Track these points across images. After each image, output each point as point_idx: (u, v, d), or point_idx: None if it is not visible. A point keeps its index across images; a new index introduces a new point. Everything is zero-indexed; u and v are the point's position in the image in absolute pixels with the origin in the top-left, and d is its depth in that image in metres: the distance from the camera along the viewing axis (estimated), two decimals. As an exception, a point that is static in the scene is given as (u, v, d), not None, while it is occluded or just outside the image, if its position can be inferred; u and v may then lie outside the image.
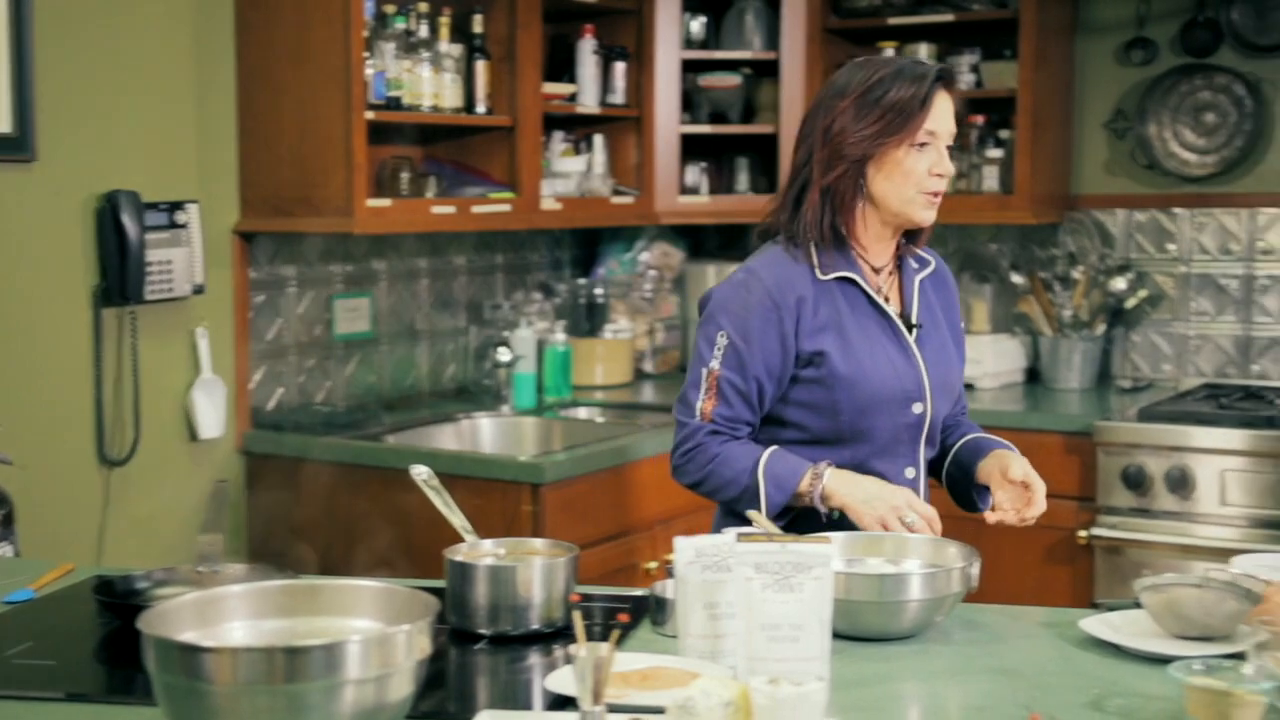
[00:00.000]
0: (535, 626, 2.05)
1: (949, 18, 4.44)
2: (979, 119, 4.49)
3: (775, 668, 1.73)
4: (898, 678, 1.91)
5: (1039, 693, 1.82)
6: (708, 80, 4.58)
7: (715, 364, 2.39)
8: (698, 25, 4.62)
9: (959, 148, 4.50)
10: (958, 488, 2.56)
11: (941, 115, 2.34)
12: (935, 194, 2.36)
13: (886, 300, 2.43)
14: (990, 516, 2.40)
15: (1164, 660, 1.85)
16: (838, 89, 2.38)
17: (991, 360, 4.42)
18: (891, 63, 2.38)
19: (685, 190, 4.62)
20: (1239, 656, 1.82)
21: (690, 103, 4.61)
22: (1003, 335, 4.52)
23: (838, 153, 2.35)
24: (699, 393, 2.41)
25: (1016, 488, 2.40)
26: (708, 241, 5.06)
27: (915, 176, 2.34)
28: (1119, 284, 4.43)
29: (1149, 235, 4.49)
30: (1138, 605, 2.06)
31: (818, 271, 2.39)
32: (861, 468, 2.40)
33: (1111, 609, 2.14)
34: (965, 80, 4.47)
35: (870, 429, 2.40)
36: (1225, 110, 4.35)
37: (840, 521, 2.36)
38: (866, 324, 2.41)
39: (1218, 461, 3.74)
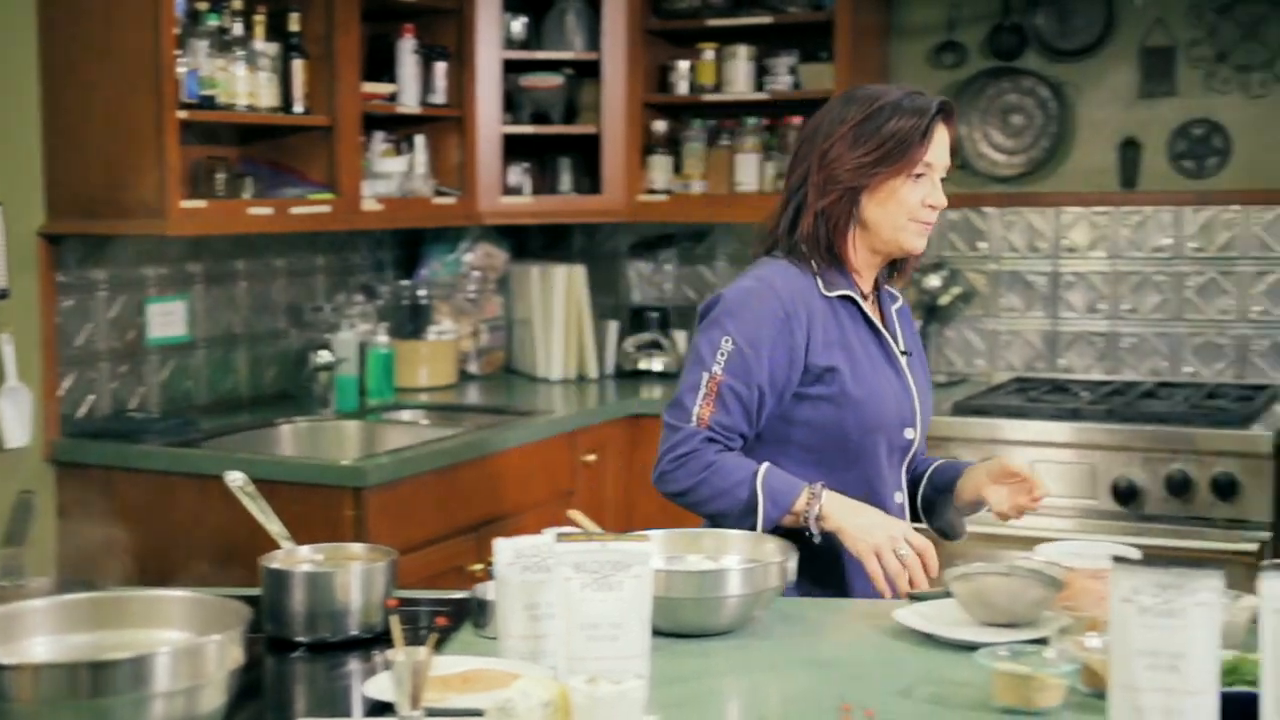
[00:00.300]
0: (354, 632, 2.03)
1: (767, 20, 4.50)
2: (797, 120, 4.55)
3: (595, 667, 1.74)
4: (717, 673, 1.93)
5: (854, 683, 1.86)
6: (529, 80, 4.58)
7: (718, 369, 2.34)
8: (519, 25, 4.61)
9: (779, 149, 4.57)
10: (933, 511, 2.55)
11: (939, 147, 2.37)
12: (927, 224, 2.39)
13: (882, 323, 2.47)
14: (997, 515, 2.42)
15: (972, 647, 1.90)
16: (837, 114, 2.39)
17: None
18: (892, 92, 2.39)
19: (508, 191, 4.61)
20: (1044, 642, 1.88)
21: (512, 103, 4.60)
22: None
23: (834, 178, 2.35)
24: (696, 397, 2.35)
25: (1010, 484, 2.39)
26: (531, 242, 5.05)
27: (909, 206, 2.36)
28: (933, 281, 4.53)
29: (961, 233, 4.61)
30: (948, 595, 2.11)
31: (822, 288, 2.39)
32: (858, 490, 2.37)
33: (924, 599, 2.19)
34: (783, 81, 4.53)
35: (872, 452, 2.40)
36: (1031, 112, 4.49)
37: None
38: (867, 345, 2.42)
39: (1028, 453, 3.85)
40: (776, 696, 1.87)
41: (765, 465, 2.33)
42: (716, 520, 2.36)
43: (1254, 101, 4.26)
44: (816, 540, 2.30)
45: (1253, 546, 3.58)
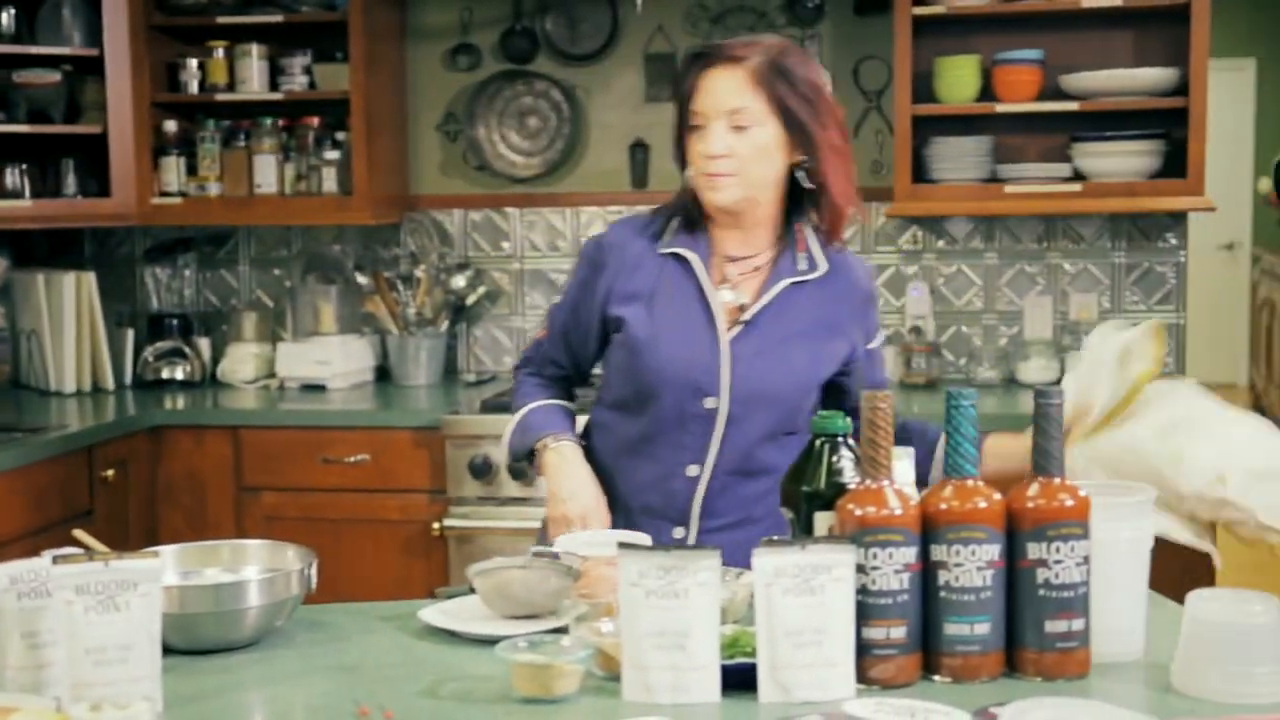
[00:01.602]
0: None
1: (279, 19, 4.41)
2: (314, 121, 4.49)
3: (101, 692, 1.67)
4: (237, 687, 1.88)
5: (377, 685, 1.85)
6: (23, 77, 4.30)
7: (558, 298, 2.55)
8: (7, 18, 4.31)
9: (297, 150, 4.49)
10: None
11: (705, 95, 2.32)
12: (710, 175, 2.33)
13: (734, 289, 2.38)
14: None
15: (494, 641, 1.93)
16: None
17: (340, 360, 4.44)
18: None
19: (5, 194, 4.32)
20: (563, 631, 1.93)
21: (6, 101, 4.31)
22: (351, 335, 4.55)
23: (676, 143, 2.41)
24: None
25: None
26: (36, 248, 4.76)
27: (694, 159, 2.35)
28: (459, 281, 4.58)
29: (484, 234, 4.68)
30: (473, 591, 2.13)
31: (661, 243, 2.41)
32: (646, 446, 2.39)
33: (450, 596, 2.21)
34: (299, 81, 4.46)
35: (656, 407, 2.36)
36: (546, 115, 4.60)
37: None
38: (686, 305, 2.37)
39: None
40: (299, 706, 1.84)
41: (535, 403, 2.51)
42: None
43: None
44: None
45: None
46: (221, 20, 4.44)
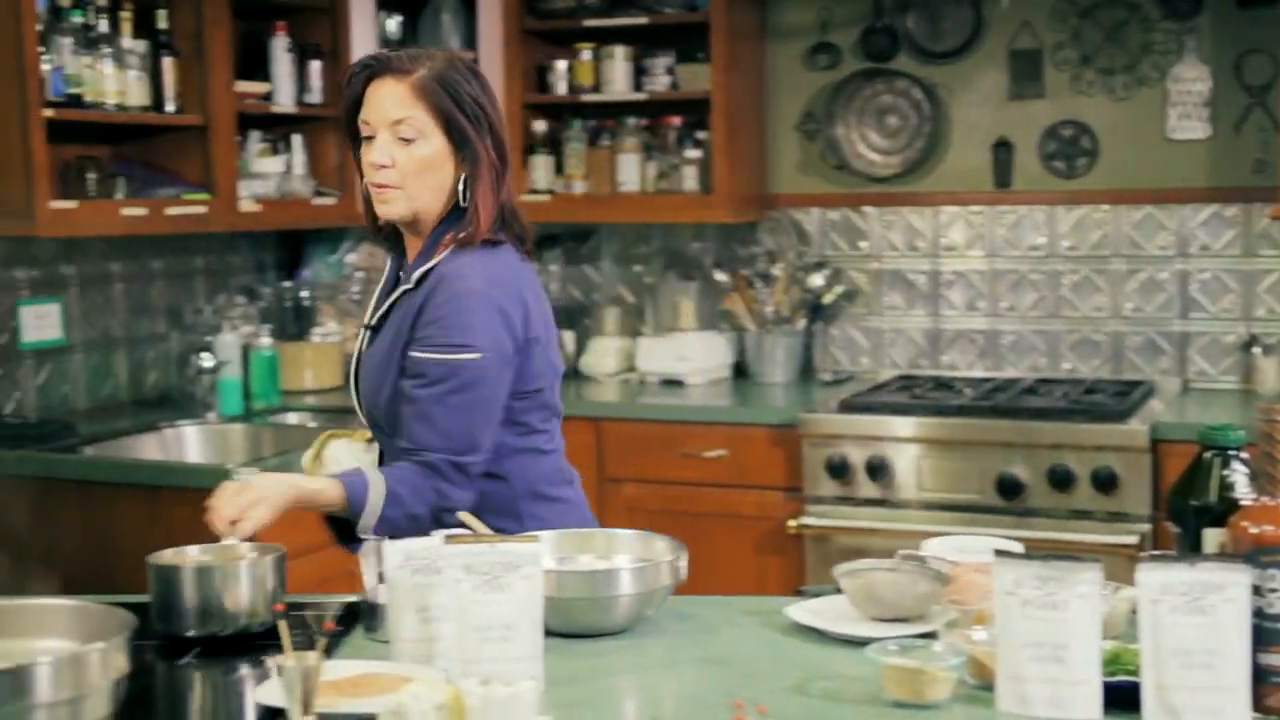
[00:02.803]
0: (244, 623, 2.00)
1: (643, 21, 4.51)
2: (676, 120, 4.57)
3: (487, 669, 1.73)
4: (610, 672, 1.93)
5: (746, 680, 1.86)
6: (408, 80, 4.53)
7: None
8: (394, 24, 4.56)
9: (659, 149, 4.58)
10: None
11: (372, 104, 2.30)
12: (378, 185, 2.31)
13: (395, 304, 2.37)
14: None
15: (862, 642, 1.92)
16: None
17: (699, 356, 4.51)
18: None
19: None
20: (932, 635, 1.91)
21: (392, 103, 4.55)
22: (709, 332, 4.62)
23: (353, 153, 2.39)
24: None
25: None
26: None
27: (366, 171, 2.33)
28: (816, 280, 4.58)
29: (842, 233, 4.66)
30: (839, 591, 2.13)
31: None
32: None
33: (815, 595, 2.21)
34: (662, 82, 4.55)
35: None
36: (905, 113, 4.55)
37: None
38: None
39: (913, 449, 3.91)
40: (670, 695, 1.87)
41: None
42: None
43: (1118, 104, 4.36)
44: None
45: (1133, 539, 3.66)
46: (588, 23, 4.57)
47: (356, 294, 4.64)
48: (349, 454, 2.40)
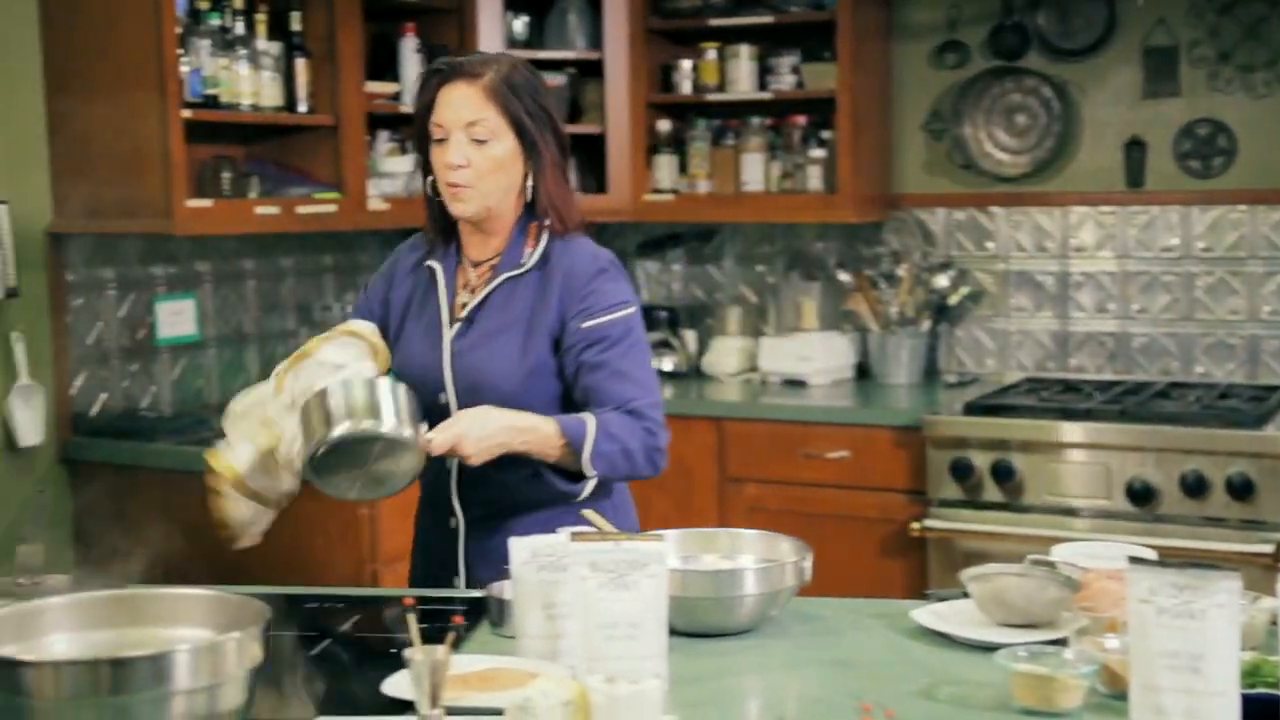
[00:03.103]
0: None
1: (769, 20, 4.49)
2: (801, 120, 4.55)
3: (613, 666, 1.74)
4: (735, 672, 1.93)
5: (872, 683, 1.85)
6: (534, 80, 4.56)
7: None
8: (520, 24, 4.60)
9: (783, 149, 4.56)
10: None
11: (445, 109, 2.39)
12: (452, 185, 2.39)
13: (472, 293, 2.46)
14: None
15: (991, 648, 1.90)
16: None
17: (821, 356, 4.49)
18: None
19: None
20: (1061, 642, 1.88)
21: (518, 102, 4.58)
22: (832, 332, 4.59)
23: (420, 153, 2.48)
24: None
25: None
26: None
27: (438, 170, 2.42)
28: (941, 281, 4.53)
29: (968, 233, 4.61)
30: (965, 595, 2.11)
31: (431, 257, 2.51)
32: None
33: (941, 599, 2.19)
34: (787, 81, 4.53)
35: (428, 411, 2.41)
36: (1035, 112, 4.48)
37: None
38: (428, 312, 2.49)
39: (1040, 453, 3.85)
40: (795, 696, 1.87)
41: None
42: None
43: (1258, 101, 4.26)
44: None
45: (1268, 548, 3.56)
46: (714, 22, 4.56)
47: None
48: (340, 351, 2.42)
